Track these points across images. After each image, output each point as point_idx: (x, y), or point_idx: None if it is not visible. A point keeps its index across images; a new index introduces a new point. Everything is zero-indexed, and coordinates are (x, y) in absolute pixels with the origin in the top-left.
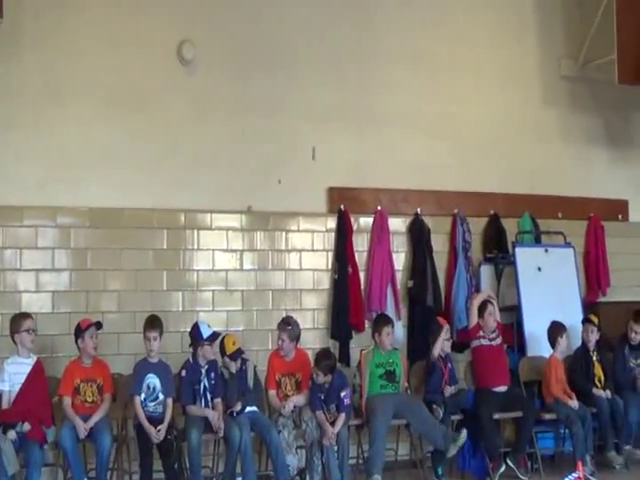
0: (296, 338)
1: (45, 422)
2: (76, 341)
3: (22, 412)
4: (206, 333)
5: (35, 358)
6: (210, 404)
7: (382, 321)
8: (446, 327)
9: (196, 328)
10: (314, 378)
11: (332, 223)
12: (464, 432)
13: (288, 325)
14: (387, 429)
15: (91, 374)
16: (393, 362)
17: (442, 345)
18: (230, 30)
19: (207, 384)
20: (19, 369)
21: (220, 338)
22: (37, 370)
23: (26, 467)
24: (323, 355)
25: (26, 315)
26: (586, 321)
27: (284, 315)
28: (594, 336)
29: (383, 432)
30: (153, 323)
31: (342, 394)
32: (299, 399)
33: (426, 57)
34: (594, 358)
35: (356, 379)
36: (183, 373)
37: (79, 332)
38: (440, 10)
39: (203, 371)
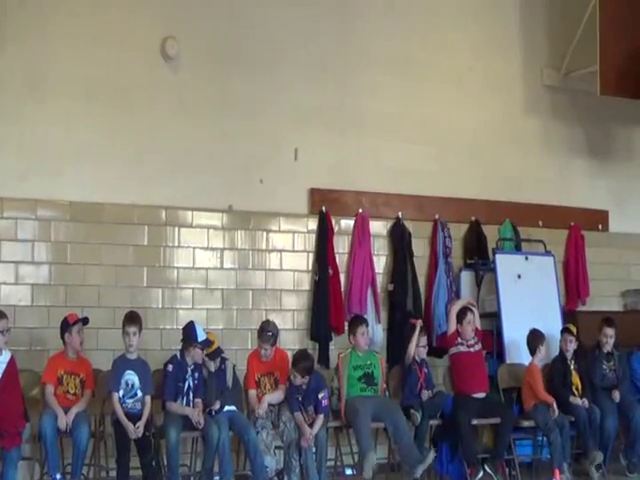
0: (275, 340)
1: (19, 426)
2: (62, 335)
3: None
4: (201, 337)
5: (9, 355)
6: (192, 403)
7: (356, 322)
8: (419, 327)
9: (192, 328)
10: (291, 380)
11: (313, 224)
12: (431, 453)
13: (269, 332)
14: (369, 427)
15: (75, 368)
16: (371, 364)
17: (416, 348)
18: (214, 28)
19: (192, 383)
20: None
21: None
22: (10, 372)
23: (2, 464)
24: (301, 356)
25: (0, 315)
26: (564, 331)
27: (264, 316)
28: (572, 345)
29: (367, 431)
30: (132, 318)
31: (320, 396)
32: (273, 397)
33: (410, 62)
34: (572, 367)
35: (334, 382)
36: (169, 368)
37: (66, 326)
38: (425, 16)
39: (189, 370)
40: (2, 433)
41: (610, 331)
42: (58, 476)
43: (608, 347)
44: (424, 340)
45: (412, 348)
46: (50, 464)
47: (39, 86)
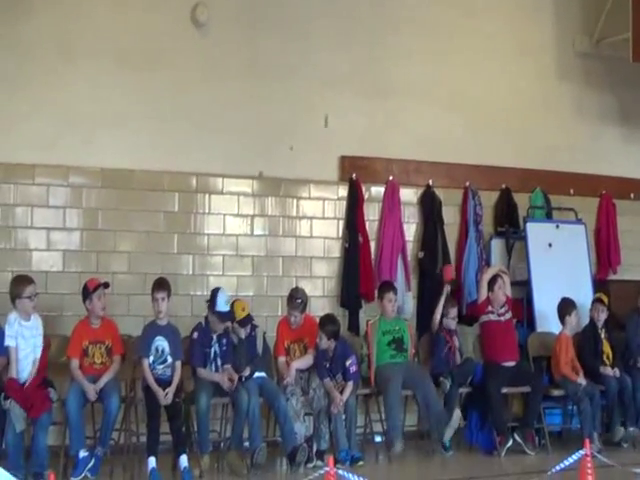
0: (305, 307)
1: (43, 394)
2: (84, 302)
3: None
4: (220, 307)
5: (38, 320)
6: (220, 369)
7: (384, 288)
8: (445, 293)
9: (214, 295)
10: (318, 342)
11: (343, 191)
12: (457, 412)
13: (298, 299)
14: (400, 398)
15: (100, 336)
16: (400, 329)
17: (446, 319)
18: None
19: (218, 350)
20: (18, 330)
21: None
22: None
23: (33, 428)
24: (328, 319)
25: (28, 280)
26: (596, 300)
27: (294, 283)
28: (603, 315)
29: (397, 402)
30: (161, 284)
31: (347, 363)
32: (302, 362)
33: (441, 26)
34: (602, 336)
35: (363, 349)
36: (195, 335)
37: (87, 293)
38: None
39: (214, 336)
40: (29, 405)
41: None
42: (82, 453)
43: None
44: (454, 312)
45: (437, 315)
46: (73, 441)
47: (69, 51)
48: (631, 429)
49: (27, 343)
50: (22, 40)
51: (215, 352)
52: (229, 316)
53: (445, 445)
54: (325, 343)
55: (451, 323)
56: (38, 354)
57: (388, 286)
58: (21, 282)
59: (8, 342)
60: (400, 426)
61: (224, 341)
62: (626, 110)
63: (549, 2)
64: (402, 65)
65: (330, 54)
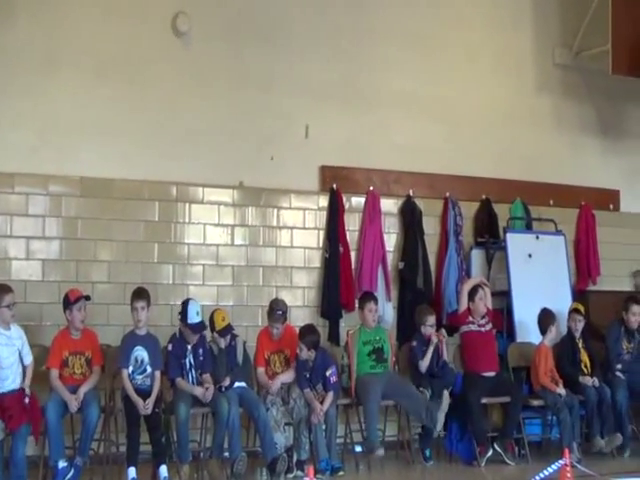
0: (285, 318)
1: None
2: (64, 311)
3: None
4: (192, 319)
5: (17, 328)
6: (195, 380)
7: (364, 298)
8: (434, 342)
9: (185, 306)
10: (298, 353)
11: (324, 201)
12: (445, 395)
13: (279, 311)
14: (379, 408)
15: (80, 346)
16: (380, 339)
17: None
18: (225, 3)
19: (192, 360)
20: (1, 339)
21: (209, 314)
22: None
23: (12, 438)
24: (307, 330)
25: (7, 289)
26: (572, 311)
27: (274, 293)
28: (580, 325)
29: (376, 411)
30: (140, 293)
31: (328, 373)
32: (287, 377)
33: (422, 38)
34: (580, 345)
35: (344, 360)
36: (169, 347)
37: (67, 304)
38: None
39: (189, 347)
40: (7, 416)
41: (637, 308)
42: (61, 463)
43: (632, 325)
44: (432, 319)
45: (426, 362)
46: (52, 450)
47: (51, 61)
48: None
49: (10, 351)
50: (4, 50)
51: (190, 363)
52: (201, 327)
53: (426, 455)
54: (305, 354)
55: (429, 330)
56: (28, 362)
57: (369, 296)
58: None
59: None
60: (379, 434)
61: (200, 351)
62: (605, 122)
63: (529, 14)
64: (383, 76)
65: (311, 65)
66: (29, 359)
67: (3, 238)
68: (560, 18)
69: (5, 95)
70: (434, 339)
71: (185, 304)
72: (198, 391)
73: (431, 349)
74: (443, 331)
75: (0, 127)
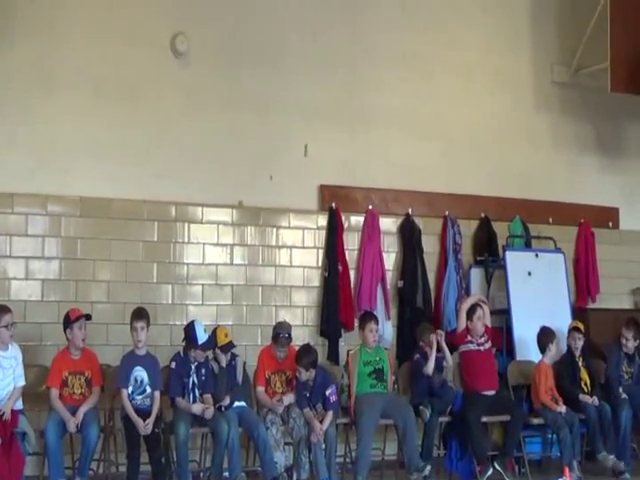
0: (291, 340)
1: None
2: (64, 331)
3: None
4: (201, 339)
5: (16, 349)
6: (198, 399)
7: (365, 318)
8: (435, 342)
9: (192, 329)
10: (297, 376)
11: (323, 221)
12: (428, 467)
13: (285, 334)
14: (374, 429)
15: (79, 367)
16: (380, 359)
17: (422, 339)
18: (224, 24)
19: (196, 380)
20: None
21: (211, 331)
22: None
23: None
24: (303, 352)
25: (5, 309)
26: (572, 329)
27: (274, 312)
28: (580, 343)
29: (369, 433)
30: (140, 313)
31: (327, 392)
32: (291, 397)
33: (419, 59)
34: (580, 364)
35: (344, 379)
36: (172, 365)
37: (68, 323)
38: (433, 12)
39: (193, 367)
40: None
41: (628, 334)
42: None
43: (628, 349)
44: (433, 336)
45: (431, 364)
46: (52, 470)
47: (48, 82)
48: (611, 457)
49: (5, 373)
50: (1, 73)
51: (193, 382)
52: (211, 343)
53: (425, 475)
54: (305, 375)
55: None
56: (19, 384)
57: (370, 316)
58: None
59: None
60: (368, 457)
61: (203, 371)
62: (603, 139)
63: (527, 32)
64: (381, 96)
65: (309, 85)
66: (20, 382)
67: (2, 258)
68: (558, 36)
69: (3, 117)
70: (433, 339)
71: (191, 327)
72: (196, 408)
73: (434, 351)
74: (440, 331)
75: None
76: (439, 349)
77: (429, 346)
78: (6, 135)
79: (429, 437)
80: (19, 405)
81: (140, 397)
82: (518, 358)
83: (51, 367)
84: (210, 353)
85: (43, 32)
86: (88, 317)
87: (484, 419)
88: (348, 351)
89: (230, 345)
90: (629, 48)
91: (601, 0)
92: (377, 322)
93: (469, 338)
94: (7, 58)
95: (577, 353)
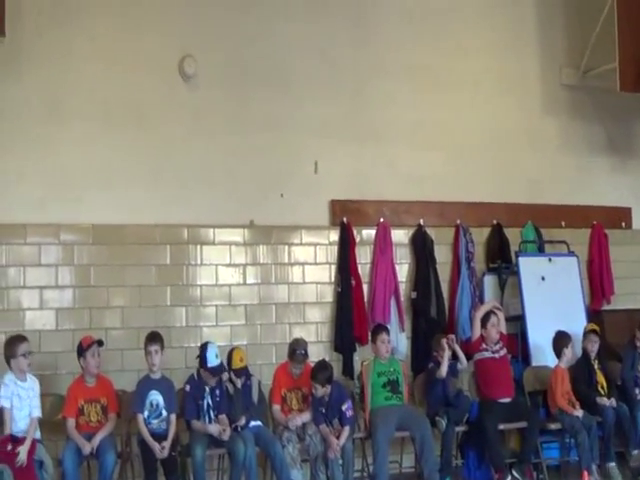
0: (307, 356)
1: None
2: (78, 359)
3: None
4: (211, 363)
5: (34, 380)
6: (213, 421)
7: (376, 330)
8: (447, 347)
9: (204, 351)
10: (313, 392)
11: (335, 236)
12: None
13: (302, 351)
14: (389, 443)
15: (95, 394)
16: (395, 370)
17: (436, 349)
18: (231, 45)
19: (211, 401)
20: (14, 390)
21: (228, 351)
22: None
23: None
24: (319, 368)
25: (22, 338)
26: (588, 332)
27: (288, 330)
28: (596, 346)
29: (385, 447)
30: (153, 337)
31: (343, 407)
32: (306, 416)
33: (425, 69)
34: (596, 366)
35: (357, 389)
36: (187, 388)
37: (81, 351)
38: (438, 22)
39: (207, 388)
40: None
41: None
42: None
43: None
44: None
45: (444, 368)
46: None
47: (57, 111)
48: (635, 452)
49: (23, 404)
50: (10, 103)
51: (208, 404)
52: (221, 369)
53: None
54: (321, 391)
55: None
56: (35, 415)
57: (380, 328)
58: (15, 341)
59: (3, 403)
60: (386, 471)
61: (217, 392)
62: (613, 140)
63: (534, 37)
64: (388, 108)
65: (317, 102)
66: (36, 413)
67: (17, 289)
68: (566, 38)
69: (13, 148)
70: (444, 343)
71: (204, 348)
72: (213, 429)
73: (446, 354)
74: (451, 335)
75: (10, 179)
76: (453, 354)
77: (441, 350)
78: (17, 166)
79: (447, 448)
80: (37, 435)
81: (156, 421)
82: (534, 364)
83: (67, 397)
84: (225, 374)
85: (50, 63)
86: (100, 343)
87: (501, 427)
88: (362, 362)
89: (244, 370)
90: (637, 47)
91: (608, 1)
92: (388, 333)
93: (484, 346)
94: (16, 89)
95: (593, 356)
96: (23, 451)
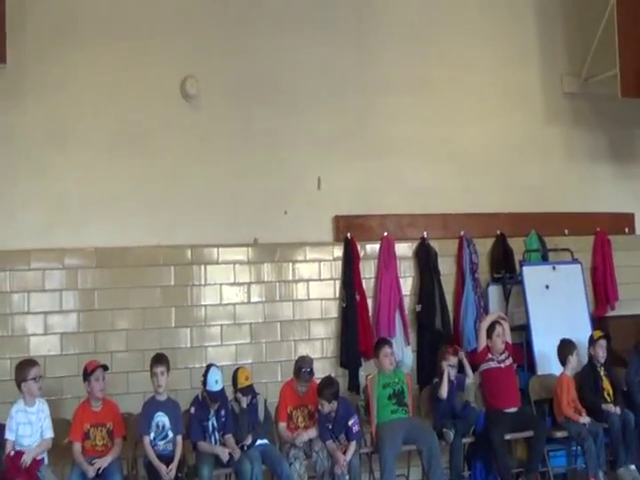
0: (313, 374)
1: None
2: (84, 383)
3: None
4: (211, 387)
5: (43, 403)
6: (218, 442)
7: (379, 344)
8: (447, 369)
9: (206, 373)
10: (320, 409)
11: (339, 251)
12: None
13: (307, 369)
14: (396, 457)
15: (100, 418)
16: (399, 381)
17: (448, 376)
18: (232, 65)
19: (216, 423)
20: (23, 418)
21: (234, 371)
22: None
23: None
24: (325, 384)
25: (32, 362)
26: (595, 339)
27: (293, 347)
28: (603, 353)
29: (392, 461)
30: (159, 359)
31: (350, 422)
32: (313, 432)
33: (427, 83)
34: (602, 373)
35: (362, 402)
36: (192, 410)
37: (85, 375)
38: (440, 36)
39: (212, 410)
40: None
41: None
42: None
43: None
44: (454, 360)
45: (444, 389)
46: None
47: (60, 137)
48: (632, 467)
49: (34, 429)
50: (13, 130)
51: (213, 425)
52: (220, 395)
53: None
54: (328, 407)
55: (452, 372)
56: (47, 435)
57: (382, 341)
58: (25, 365)
59: (8, 436)
60: None
61: (222, 412)
62: (616, 146)
63: (535, 46)
64: (389, 122)
65: (318, 118)
66: (48, 434)
67: (21, 315)
68: (566, 47)
69: (17, 175)
70: (444, 366)
71: (206, 371)
72: (219, 450)
73: (445, 376)
74: (460, 352)
75: (14, 206)
76: (460, 367)
77: (440, 373)
78: (21, 192)
79: (455, 460)
80: (45, 458)
81: (162, 442)
82: (539, 372)
83: (72, 421)
84: (231, 393)
85: (53, 90)
86: (105, 368)
87: (507, 437)
88: (367, 376)
89: (250, 389)
90: (637, 52)
91: (608, 7)
92: (391, 346)
93: (490, 356)
94: (19, 117)
95: (599, 363)
96: (29, 455)
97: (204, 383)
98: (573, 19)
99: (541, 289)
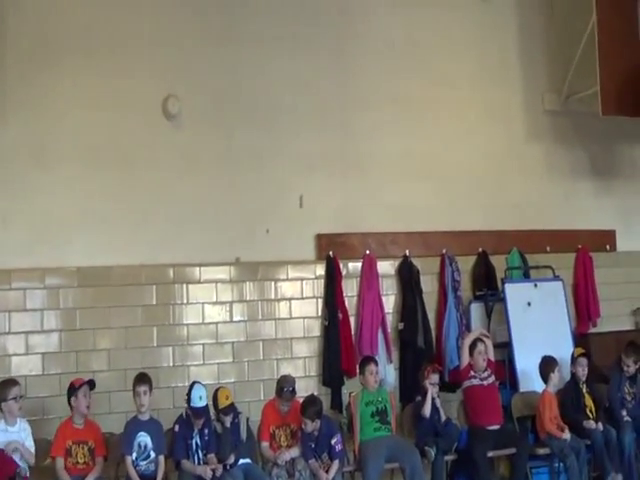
0: (295, 393)
1: None
2: (69, 400)
3: None
4: (195, 403)
5: (24, 422)
6: (201, 461)
7: (364, 361)
8: (430, 388)
9: (190, 390)
10: (303, 428)
11: (321, 270)
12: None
13: (289, 388)
14: (379, 476)
15: (82, 436)
16: (382, 399)
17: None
18: (213, 84)
19: (199, 441)
20: (5, 437)
21: (213, 391)
22: None
23: None
24: (308, 402)
25: (13, 382)
26: (576, 356)
27: (275, 366)
28: (586, 370)
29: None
30: (142, 378)
31: (333, 441)
32: (295, 451)
33: (408, 100)
34: (584, 390)
35: (344, 419)
36: (176, 428)
37: (72, 390)
38: (421, 53)
39: (196, 428)
40: None
41: (628, 360)
42: None
43: (630, 373)
44: (435, 377)
45: (428, 407)
46: None
47: (42, 156)
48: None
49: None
50: None
51: (197, 443)
52: (203, 412)
53: None
54: (311, 426)
55: (434, 391)
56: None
57: (368, 359)
58: (6, 385)
59: None
60: None
61: (205, 431)
62: (597, 163)
63: (516, 63)
64: (371, 140)
65: (300, 136)
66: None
67: (2, 335)
68: (547, 65)
69: None
70: (427, 385)
71: (190, 387)
72: (201, 470)
73: (429, 394)
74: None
75: None
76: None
77: (423, 391)
78: (1, 211)
79: (438, 477)
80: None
81: (144, 462)
82: (521, 389)
83: (55, 437)
84: (212, 413)
85: (34, 108)
86: (92, 384)
87: (490, 454)
88: (350, 393)
89: (231, 408)
90: (618, 71)
91: (589, 26)
92: (376, 364)
93: (472, 373)
94: (0, 134)
95: (582, 380)
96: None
97: (188, 400)
98: (554, 37)
99: (523, 306)
